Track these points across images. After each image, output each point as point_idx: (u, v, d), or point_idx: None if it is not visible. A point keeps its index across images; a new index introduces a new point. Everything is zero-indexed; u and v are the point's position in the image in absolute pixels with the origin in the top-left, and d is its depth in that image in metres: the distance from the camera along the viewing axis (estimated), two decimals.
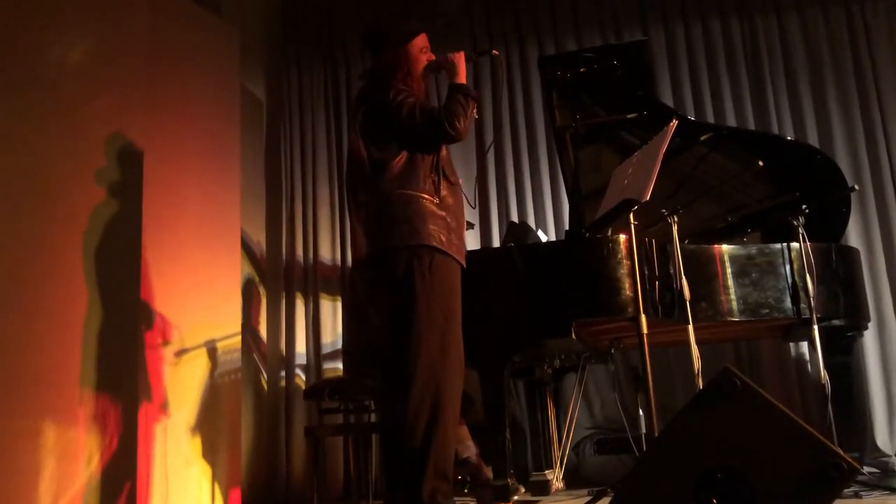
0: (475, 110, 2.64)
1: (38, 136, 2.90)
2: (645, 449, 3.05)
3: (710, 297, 3.24)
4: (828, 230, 3.65)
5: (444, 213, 2.54)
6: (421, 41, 2.72)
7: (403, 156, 2.55)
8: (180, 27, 3.84)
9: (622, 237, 3.02)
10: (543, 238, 4.08)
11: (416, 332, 2.46)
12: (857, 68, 4.67)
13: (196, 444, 3.55)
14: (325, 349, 4.82)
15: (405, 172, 2.54)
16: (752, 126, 4.66)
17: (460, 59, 2.69)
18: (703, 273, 3.25)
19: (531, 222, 4.74)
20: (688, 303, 2.99)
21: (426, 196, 2.53)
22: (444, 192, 2.57)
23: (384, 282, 2.55)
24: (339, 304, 4.83)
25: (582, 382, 4.00)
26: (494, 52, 2.87)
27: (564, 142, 3.77)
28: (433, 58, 2.73)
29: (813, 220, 3.38)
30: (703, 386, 2.44)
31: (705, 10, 4.89)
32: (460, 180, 2.79)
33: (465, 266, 2.62)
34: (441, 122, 2.51)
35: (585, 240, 3.32)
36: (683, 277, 3.01)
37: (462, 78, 2.67)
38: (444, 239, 2.51)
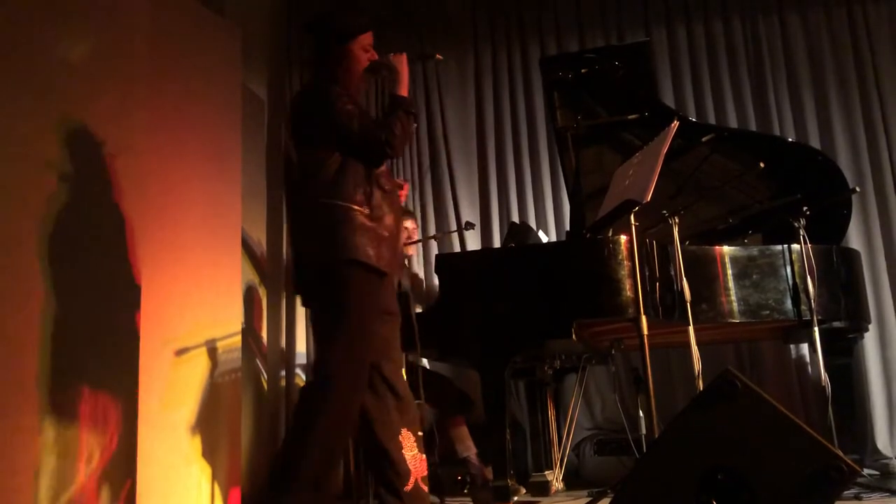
0: (414, 125, 2.54)
1: (39, 135, 2.90)
2: (645, 450, 3.04)
3: (711, 299, 3.23)
4: (829, 232, 3.64)
5: (374, 225, 2.42)
6: (366, 39, 2.57)
7: (335, 163, 2.43)
8: (182, 26, 3.84)
9: (623, 238, 3.02)
10: (544, 239, 4.08)
11: (328, 343, 2.41)
12: (859, 70, 4.67)
13: (196, 443, 3.55)
14: None
15: (335, 181, 2.42)
16: (753, 127, 4.66)
17: (403, 64, 2.55)
18: (704, 274, 3.25)
19: (532, 223, 4.74)
20: (688, 304, 2.99)
21: (356, 207, 2.40)
22: (376, 202, 2.44)
23: (308, 291, 2.50)
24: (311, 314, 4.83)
25: (582, 383, 4.00)
26: (438, 56, 2.77)
27: (566, 142, 3.77)
28: (376, 58, 2.58)
29: (814, 221, 3.38)
30: (703, 387, 2.43)
31: (707, 11, 4.89)
32: (406, 183, 2.73)
33: (397, 277, 2.53)
34: (379, 139, 2.41)
35: (586, 240, 3.32)
36: (684, 278, 3.01)
37: (405, 87, 2.53)
38: (371, 253, 2.38)
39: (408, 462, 2.45)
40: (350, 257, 2.36)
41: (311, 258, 2.46)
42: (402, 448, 2.46)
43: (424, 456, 2.52)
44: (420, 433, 2.54)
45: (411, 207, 4.98)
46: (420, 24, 5.20)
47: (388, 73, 2.56)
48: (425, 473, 2.49)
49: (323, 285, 2.42)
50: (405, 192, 2.89)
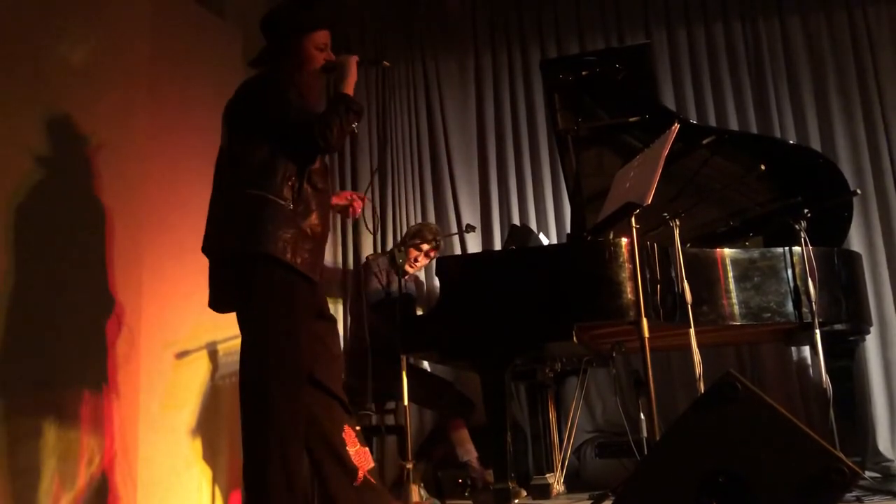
0: (356, 124, 2.41)
1: (40, 137, 2.90)
2: (646, 453, 3.04)
3: (712, 301, 3.23)
4: (830, 234, 3.64)
5: (297, 221, 2.30)
6: (321, 37, 2.48)
7: (265, 153, 2.32)
8: (183, 29, 3.84)
9: (624, 240, 3.02)
10: (545, 241, 4.08)
11: (247, 343, 2.33)
12: (860, 72, 4.67)
13: (197, 445, 3.55)
14: None
15: (263, 171, 2.30)
16: (754, 129, 4.66)
17: (352, 64, 2.46)
18: (705, 277, 3.24)
19: (533, 225, 4.74)
20: (689, 306, 2.99)
21: (280, 200, 2.29)
22: (305, 198, 2.34)
23: (222, 285, 2.41)
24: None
25: (583, 386, 4.00)
26: (385, 63, 2.68)
27: (566, 145, 3.77)
28: (332, 58, 2.50)
29: (815, 223, 3.38)
30: (704, 390, 2.43)
31: (708, 14, 4.89)
32: (365, 197, 2.67)
33: (316, 281, 2.38)
34: (312, 130, 2.28)
35: (587, 243, 3.32)
36: (685, 281, 3.01)
37: (349, 86, 2.43)
38: (288, 251, 2.26)
39: (352, 458, 2.42)
40: (267, 252, 2.25)
41: (223, 251, 2.37)
42: (346, 444, 2.43)
43: (367, 448, 2.48)
44: (358, 427, 2.49)
45: (412, 209, 4.98)
46: (420, 27, 5.21)
47: (338, 72, 2.47)
48: (371, 465, 2.45)
49: (241, 281, 2.31)
50: (360, 206, 2.76)
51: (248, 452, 2.27)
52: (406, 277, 3.99)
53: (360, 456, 2.44)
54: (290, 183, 2.32)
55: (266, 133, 2.34)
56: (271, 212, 2.28)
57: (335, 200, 2.73)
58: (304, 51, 2.45)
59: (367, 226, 2.55)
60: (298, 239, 2.30)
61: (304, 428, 2.34)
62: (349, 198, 2.77)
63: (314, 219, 2.36)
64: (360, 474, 2.40)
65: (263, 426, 2.25)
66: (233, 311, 2.43)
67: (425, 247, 4.04)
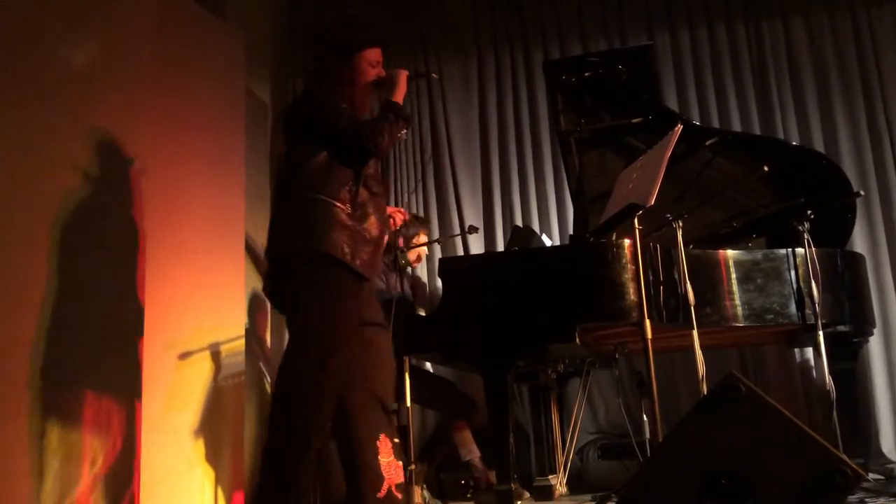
0: (404, 131, 2.52)
1: (43, 137, 2.91)
2: (649, 454, 3.04)
3: (715, 303, 3.23)
4: (833, 235, 3.64)
5: (354, 224, 2.37)
6: (373, 55, 2.58)
7: (321, 160, 2.40)
8: (186, 30, 3.85)
9: (626, 242, 3.02)
10: (547, 242, 4.08)
11: (299, 340, 2.37)
12: (863, 74, 4.67)
13: (199, 446, 3.55)
14: None
15: (320, 177, 2.39)
16: (757, 131, 4.65)
17: (402, 77, 2.57)
18: (708, 278, 3.24)
19: (535, 227, 4.74)
20: (692, 308, 2.98)
21: (338, 204, 2.36)
22: (361, 202, 2.41)
23: (280, 286, 2.44)
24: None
25: (586, 387, 4.00)
26: (434, 75, 2.84)
27: (569, 146, 3.77)
28: (383, 74, 2.60)
29: (818, 225, 3.37)
30: (707, 391, 2.43)
31: (710, 15, 4.89)
32: (404, 212, 2.78)
33: (370, 280, 2.45)
34: (362, 135, 2.39)
35: (590, 244, 3.32)
36: (688, 282, 3.01)
37: (398, 96, 2.54)
38: (347, 251, 2.32)
39: (382, 468, 2.43)
40: (325, 251, 2.30)
41: (282, 253, 2.41)
42: (378, 453, 2.45)
43: (401, 463, 2.50)
44: (397, 440, 2.51)
45: (414, 210, 4.98)
46: (422, 28, 5.21)
47: (388, 85, 2.57)
48: (400, 481, 2.47)
49: (294, 281, 2.36)
50: (400, 219, 2.88)
51: (274, 437, 2.33)
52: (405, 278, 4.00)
53: (391, 468, 2.45)
54: (346, 188, 2.40)
55: (320, 140, 2.43)
56: (329, 215, 2.35)
57: None
58: (357, 66, 2.55)
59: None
60: (357, 241, 2.36)
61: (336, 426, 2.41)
62: (389, 212, 2.84)
63: (371, 222, 2.42)
64: (386, 485, 2.41)
65: (292, 415, 2.30)
66: (289, 312, 2.48)
67: (423, 238, 4.07)
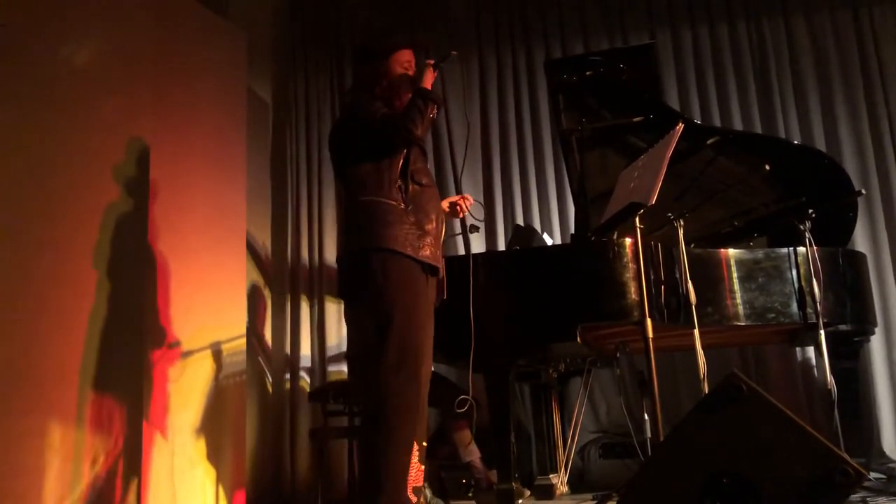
0: (434, 112, 2.57)
1: (46, 138, 2.91)
2: (650, 453, 3.04)
3: (716, 302, 3.23)
4: (834, 235, 3.63)
5: (413, 218, 2.47)
6: (404, 56, 2.68)
7: (368, 163, 2.51)
8: (188, 30, 3.85)
9: (628, 241, 3.02)
10: (549, 241, 4.07)
11: (374, 336, 2.40)
12: (865, 72, 4.66)
13: (201, 445, 3.56)
14: (330, 352, 4.82)
15: (370, 179, 2.49)
16: (758, 130, 4.65)
17: (428, 69, 2.66)
18: (709, 277, 3.24)
19: (537, 226, 4.74)
20: (693, 307, 2.98)
21: (391, 201, 2.47)
22: (413, 196, 2.51)
23: (347, 285, 2.53)
24: (344, 308, 4.83)
25: (587, 386, 4.00)
26: (453, 52, 2.83)
27: (570, 145, 3.77)
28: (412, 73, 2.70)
29: (819, 224, 3.37)
30: (708, 390, 2.43)
31: (712, 14, 4.89)
32: (469, 198, 2.85)
33: (439, 268, 2.56)
34: (396, 123, 2.48)
35: (591, 243, 3.32)
36: (689, 281, 3.01)
37: (425, 82, 2.62)
38: (409, 246, 2.43)
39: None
40: (389, 247, 2.40)
41: (348, 254, 2.51)
42: None
43: (423, 467, 2.52)
44: (424, 444, 2.53)
45: None
46: (423, 28, 5.21)
47: (417, 79, 2.65)
48: (418, 484, 2.48)
49: (362, 278, 2.43)
50: (466, 206, 2.91)
51: (366, 441, 2.39)
52: None
53: (413, 471, 2.46)
54: (397, 185, 2.49)
55: (361, 142, 2.53)
56: (385, 212, 2.45)
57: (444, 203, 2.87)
58: (391, 71, 2.65)
59: (467, 225, 2.75)
60: (416, 234, 2.46)
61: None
62: (455, 200, 2.92)
63: (426, 215, 2.52)
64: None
65: (380, 427, 2.35)
66: (352, 312, 2.54)
67: None
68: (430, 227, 2.51)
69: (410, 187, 2.51)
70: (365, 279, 2.42)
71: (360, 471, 2.43)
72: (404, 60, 2.67)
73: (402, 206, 2.47)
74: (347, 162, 2.56)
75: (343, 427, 3.94)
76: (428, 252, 2.48)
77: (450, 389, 4.06)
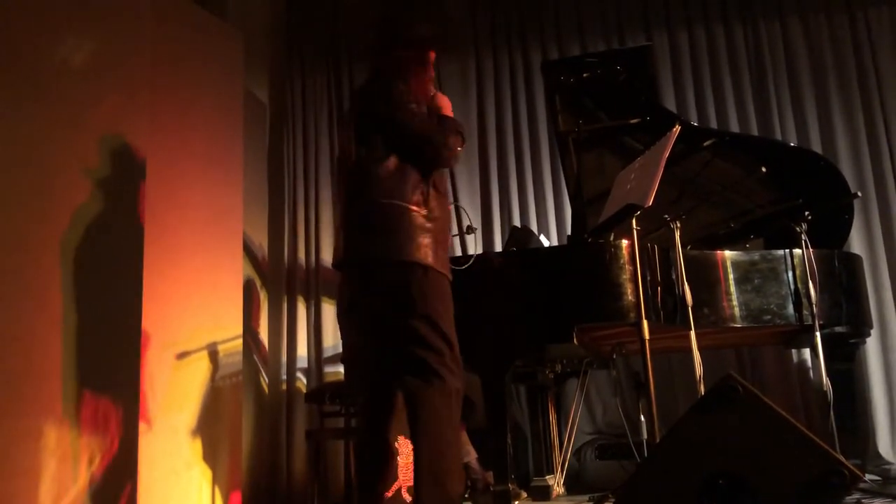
0: (461, 147, 2.50)
1: (41, 138, 2.91)
2: (646, 455, 3.04)
3: (713, 303, 3.23)
4: (830, 237, 3.64)
5: (431, 226, 2.35)
6: (432, 54, 2.55)
7: (394, 162, 2.36)
8: (184, 30, 3.85)
9: (624, 242, 3.02)
10: (546, 243, 4.07)
11: (420, 348, 2.29)
12: (861, 74, 4.67)
13: (197, 446, 3.55)
14: (327, 353, 4.82)
15: (395, 180, 2.34)
16: (755, 132, 4.66)
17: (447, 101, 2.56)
18: (706, 279, 3.24)
19: (533, 227, 4.74)
20: (690, 308, 2.99)
21: (414, 208, 2.33)
22: (433, 204, 2.38)
23: (371, 295, 2.36)
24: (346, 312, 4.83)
25: (584, 387, 4.00)
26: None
27: (567, 146, 3.77)
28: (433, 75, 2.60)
29: (816, 226, 3.38)
30: (704, 392, 2.43)
31: (709, 16, 4.90)
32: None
33: (451, 279, 2.44)
34: (436, 146, 2.37)
35: (588, 245, 3.32)
36: (686, 283, 3.01)
37: (449, 109, 2.52)
38: (432, 254, 2.31)
39: (399, 468, 2.42)
40: (415, 260, 2.28)
41: (369, 259, 2.35)
42: (397, 454, 2.43)
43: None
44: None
45: None
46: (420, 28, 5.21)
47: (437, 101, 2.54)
48: (411, 484, 2.43)
49: (390, 289, 2.30)
50: None
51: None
52: None
53: (406, 470, 2.44)
54: (419, 190, 2.36)
55: (391, 140, 2.38)
56: (409, 220, 2.32)
57: None
58: (422, 65, 2.51)
59: (465, 218, 2.67)
60: (435, 243, 2.34)
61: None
62: None
63: (442, 222, 2.40)
64: (396, 486, 2.40)
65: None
66: (370, 319, 2.39)
67: None
68: (444, 237, 2.40)
69: (431, 194, 2.38)
70: (399, 293, 2.29)
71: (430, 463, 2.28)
72: (433, 57, 2.54)
73: (425, 212, 2.35)
74: (370, 157, 2.38)
75: (339, 428, 3.94)
76: (444, 261, 2.38)
77: None
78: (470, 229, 3.89)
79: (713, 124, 4.69)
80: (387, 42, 2.54)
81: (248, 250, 4.56)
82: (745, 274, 3.31)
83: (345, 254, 2.40)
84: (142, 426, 3.17)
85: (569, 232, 4.21)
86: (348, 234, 2.41)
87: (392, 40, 2.53)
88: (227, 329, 3.89)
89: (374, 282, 2.34)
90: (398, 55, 2.50)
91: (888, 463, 4.10)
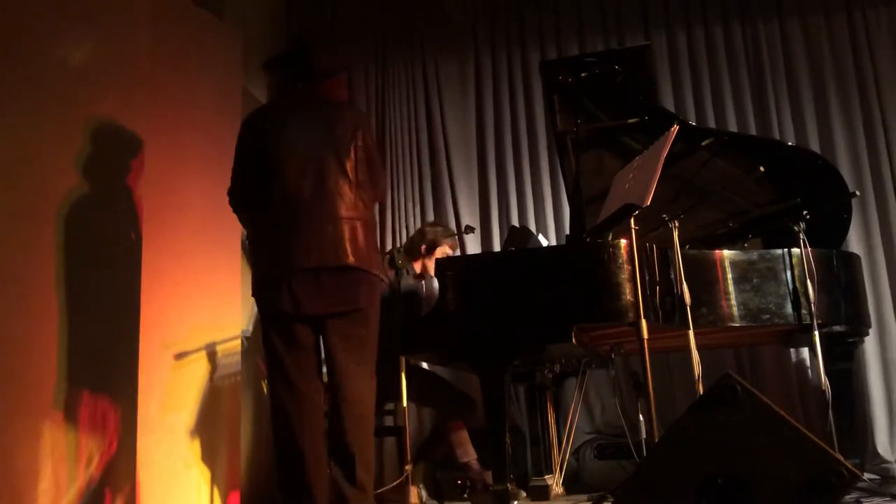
0: None
1: (40, 137, 2.90)
2: (645, 454, 3.04)
3: (711, 303, 3.23)
4: (829, 236, 3.64)
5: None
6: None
7: (363, 176, 2.74)
8: (183, 30, 3.84)
9: (623, 242, 3.02)
10: (544, 242, 4.07)
11: (367, 342, 2.71)
12: (859, 74, 4.68)
13: (196, 446, 3.55)
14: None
15: (367, 194, 2.74)
16: (753, 131, 4.66)
17: None
18: (704, 278, 3.25)
19: (532, 227, 4.74)
20: (688, 308, 2.99)
21: (373, 222, 2.78)
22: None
23: (347, 301, 2.65)
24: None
25: (582, 387, 4.00)
26: None
27: (566, 146, 3.77)
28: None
29: (814, 225, 3.38)
30: (703, 391, 2.43)
31: (707, 16, 4.90)
32: None
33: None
34: (384, 190, 3.00)
35: (586, 244, 3.32)
36: (684, 283, 3.01)
37: None
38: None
39: None
40: (379, 274, 2.71)
41: (352, 269, 2.65)
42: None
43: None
44: None
45: (411, 210, 4.98)
46: (420, 29, 5.21)
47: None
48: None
49: (366, 300, 2.67)
50: None
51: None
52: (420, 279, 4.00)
53: None
54: (375, 205, 2.85)
55: (368, 163, 2.76)
56: (375, 234, 2.78)
57: None
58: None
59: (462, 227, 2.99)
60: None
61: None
62: None
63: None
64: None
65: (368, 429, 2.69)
66: (334, 314, 2.67)
67: (449, 251, 4.03)
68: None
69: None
70: (367, 304, 2.67)
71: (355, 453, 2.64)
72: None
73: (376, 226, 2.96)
74: (355, 167, 2.71)
75: None
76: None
77: (446, 390, 4.06)
78: (469, 229, 3.90)
79: (712, 124, 4.69)
80: (337, 69, 2.93)
81: (247, 250, 4.55)
82: (743, 273, 3.31)
83: (321, 254, 2.69)
84: (140, 427, 3.16)
85: (567, 232, 4.21)
86: (329, 239, 2.71)
87: (341, 70, 2.95)
88: (226, 329, 3.88)
89: (355, 290, 2.70)
90: (344, 82, 3.02)
91: (887, 462, 4.10)
